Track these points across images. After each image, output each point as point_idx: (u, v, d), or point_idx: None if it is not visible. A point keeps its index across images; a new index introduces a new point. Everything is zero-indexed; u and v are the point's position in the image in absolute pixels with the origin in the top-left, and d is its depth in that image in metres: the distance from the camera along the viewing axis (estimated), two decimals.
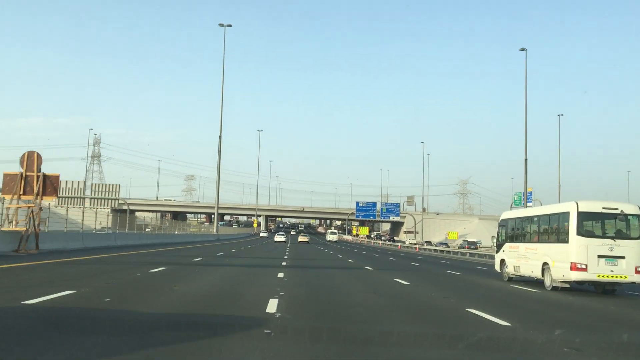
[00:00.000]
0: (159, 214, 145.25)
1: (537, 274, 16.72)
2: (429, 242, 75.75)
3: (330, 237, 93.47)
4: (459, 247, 59.34)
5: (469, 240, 76.51)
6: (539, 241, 17.20)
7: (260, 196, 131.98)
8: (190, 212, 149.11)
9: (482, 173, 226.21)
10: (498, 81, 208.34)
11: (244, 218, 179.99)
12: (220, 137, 62.30)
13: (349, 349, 6.11)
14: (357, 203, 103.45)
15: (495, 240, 21.07)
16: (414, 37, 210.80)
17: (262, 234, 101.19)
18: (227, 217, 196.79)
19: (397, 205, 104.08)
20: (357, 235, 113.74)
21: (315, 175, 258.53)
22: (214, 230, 65.17)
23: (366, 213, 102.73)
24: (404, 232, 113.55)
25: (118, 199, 49.63)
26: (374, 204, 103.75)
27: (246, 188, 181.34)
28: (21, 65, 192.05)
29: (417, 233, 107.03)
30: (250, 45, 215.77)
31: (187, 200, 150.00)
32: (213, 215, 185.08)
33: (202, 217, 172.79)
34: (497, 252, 20.32)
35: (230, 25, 61.12)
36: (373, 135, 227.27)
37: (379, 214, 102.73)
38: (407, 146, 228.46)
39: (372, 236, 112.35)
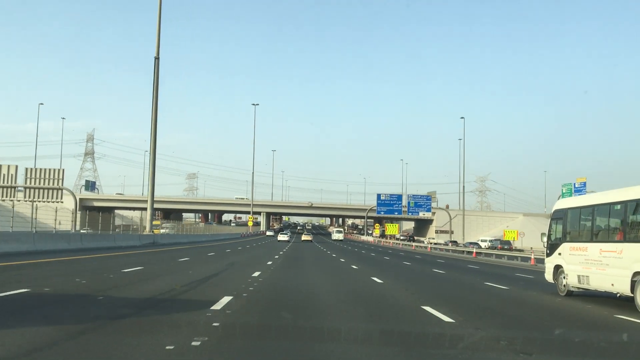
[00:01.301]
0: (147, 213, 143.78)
1: (621, 287, 13.24)
2: (454, 242, 74.23)
3: (336, 236, 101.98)
4: (489, 248, 57.83)
5: (501, 239, 75.05)
6: (625, 240, 13.42)
7: (263, 194, 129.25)
8: (187, 210, 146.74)
9: (502, 170, 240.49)
10: (506, 79, 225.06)
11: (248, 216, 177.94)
12: (157, 59, 46.01)
13: None
14: (379, 196, 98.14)
15: (545, 239, 17.24)
16: (419, 34, 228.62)
17: (268, 233, 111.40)
18: (228, 217, 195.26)
19: (429, 198, 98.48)
20: (383, 236, 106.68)
21: (324, 173, 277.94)
22: (147, 228, 48.21)
23: (389, 208, 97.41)
24: (437, 232, 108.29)
25: (62, 189, 45.29)
26: (399, 197, 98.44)
27: (250, 186, 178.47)
28: (30, 72, 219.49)
29: (452, 232, 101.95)
30: (252, 39, 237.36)
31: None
32: (209, 214, 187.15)
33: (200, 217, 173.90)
34: (548, 255, 17.07)
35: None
36: (384, 132, 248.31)
37: (405, 209, 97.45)
38: (421, 143, 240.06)
39: (399, 237, 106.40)
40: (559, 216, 16.70)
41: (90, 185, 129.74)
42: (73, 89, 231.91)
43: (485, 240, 79.15)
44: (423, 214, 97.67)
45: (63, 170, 45.94)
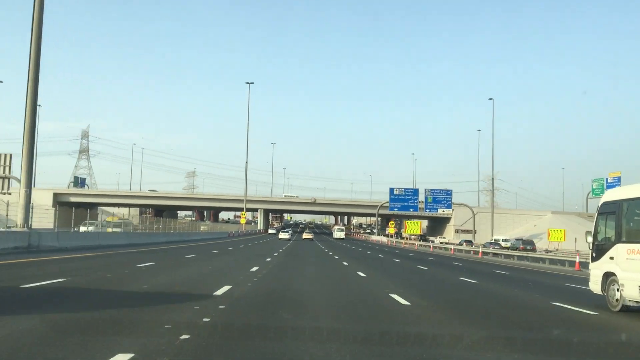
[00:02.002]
0: (137, 211, 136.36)
1: None
2: (469, 242, 69.59)
3: (337, 235, 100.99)
4: (509, 249, 53.62)
5: (523, 239, 70.19)
6: None
7: (264, 193, 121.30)
8: (177, 207, 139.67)
9: (508, 169, 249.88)
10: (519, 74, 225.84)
11: (249, 215, 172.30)
12: None
13: None
14: (391, 190, 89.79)
15: (590, 240, 14.56)
16: (421, 33, 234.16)
17: (270, 231, 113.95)
18: (226, 215, 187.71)
19: (449, 192, 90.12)
20: (398, 236, 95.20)
21: (327, 171, 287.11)
22: (18, 222, 32.40)
23: (404, 204, 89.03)
24: (457, 231, 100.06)
25: (9, 177, 36.73)
26: (415, 192, 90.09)
27: (250, 185, 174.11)
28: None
29: (475, 232, 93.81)
30: (252, 34, 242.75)
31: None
32: (205, 212, 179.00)
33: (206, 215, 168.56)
34: (594, 259, 14.48)
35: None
36: (388, 131, 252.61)
37: (422, 205, 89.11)
38: (425, 142, 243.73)
39: (410, 237, 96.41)
40: (609, 210, 14.05)
41: (80, 182, 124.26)
42: (71, 87, 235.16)
43: (499, 240, 73.91)
44: (442, 211, 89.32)
45: (10, 155, 37.30)
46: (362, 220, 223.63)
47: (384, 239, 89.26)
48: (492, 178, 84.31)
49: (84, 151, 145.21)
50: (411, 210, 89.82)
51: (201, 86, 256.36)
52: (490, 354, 7.36)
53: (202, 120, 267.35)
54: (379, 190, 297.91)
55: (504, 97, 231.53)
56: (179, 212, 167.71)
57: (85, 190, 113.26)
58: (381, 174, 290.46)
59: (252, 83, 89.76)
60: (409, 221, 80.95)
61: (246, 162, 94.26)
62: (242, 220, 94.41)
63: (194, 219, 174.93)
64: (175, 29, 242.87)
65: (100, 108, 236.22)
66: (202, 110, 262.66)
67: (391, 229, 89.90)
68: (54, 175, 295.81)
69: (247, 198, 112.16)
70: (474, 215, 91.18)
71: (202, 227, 79.33)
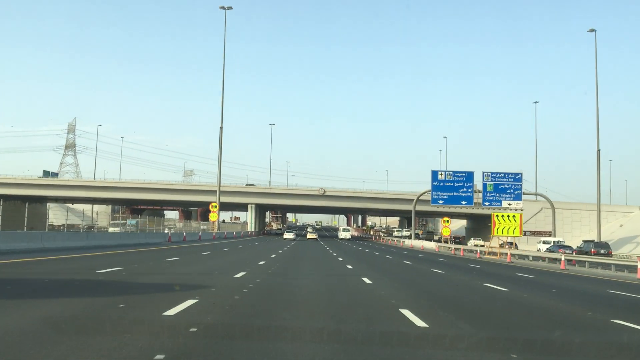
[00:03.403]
0: (109, 208, 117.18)
1: None
2: (510, 244, 58.77)
3: (343, 235, 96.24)
4: (576, 253, 45.81)
5: (595, 241, 60.12)
6: None
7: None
8: (147, 202, 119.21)
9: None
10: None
11: (246, 215, 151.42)
12: None
13: None
14: (434, 174, 64.34)
15: None
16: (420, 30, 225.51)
17: (276, 232, 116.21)
18: (221, 216, 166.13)
19: (518, 178, 64.49)
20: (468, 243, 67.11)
21: (335, 170, 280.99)
22: None
23: (452, 195, 63.74)
24: (524, 234, 75.01)
25: None
26: (469, 176, 64.54)
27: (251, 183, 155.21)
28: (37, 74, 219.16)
29: (550, 234, 68.91)
30: (255, 33, 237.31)
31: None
32: (192, 212, 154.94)
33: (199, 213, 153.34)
34: None
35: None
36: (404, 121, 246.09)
37: (479, 197, 63.88)
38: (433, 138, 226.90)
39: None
40: None
41: (51, 177, 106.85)
42: (60, 82, 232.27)
43: (549, 242, 62.30)
44: (509, 204, 63.48)
45: None
46: (377, 220, 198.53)
47: (431, 245, 60.81)
48: (598, 149, 58.80)
49: (69, 146, 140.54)
50: (463, 202, 64.20)
51: (200, 84, 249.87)
52: None
53: (202, 120, 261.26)
54: (395, 189, 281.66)
55: (514, 94, 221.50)
56: (166, 211, 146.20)
57: (14, 179, 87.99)
58: (396, 173, 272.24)
59: (230, 8, 64.01)
60: (500, 213, 51.48)
61: (220, 129, 68.99)
62: (212, 217, 65.50)
63: (177, 218, 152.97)
64: (173, 22, 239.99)
65: (95, 105, 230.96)
66: (202, 109, 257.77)
67: (445, 230, 62.94)
68: (39, 173, 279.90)
69: (235, 189, 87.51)
70: (553, 208, 65.74)
71: (111, 228, 55.52)
